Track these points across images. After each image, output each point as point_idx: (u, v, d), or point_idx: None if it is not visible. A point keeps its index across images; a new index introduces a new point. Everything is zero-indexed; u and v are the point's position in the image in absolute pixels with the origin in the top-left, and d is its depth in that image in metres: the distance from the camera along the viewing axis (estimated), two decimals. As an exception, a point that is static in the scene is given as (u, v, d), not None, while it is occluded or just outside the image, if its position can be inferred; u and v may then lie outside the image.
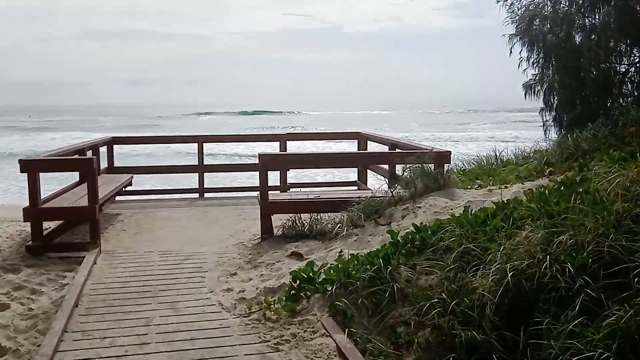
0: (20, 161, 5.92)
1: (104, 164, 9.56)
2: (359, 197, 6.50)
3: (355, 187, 10.69)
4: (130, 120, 65.27)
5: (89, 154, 8.48)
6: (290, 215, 6.72)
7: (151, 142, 10.77)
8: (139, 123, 57.85)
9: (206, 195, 10.19)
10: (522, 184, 6.41)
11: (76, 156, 7.91)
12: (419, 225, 5.04)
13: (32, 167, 5.92)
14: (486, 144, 33.66)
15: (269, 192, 6.89)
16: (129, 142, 10.38)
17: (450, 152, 6.93)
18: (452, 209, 5.84)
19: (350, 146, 24.95)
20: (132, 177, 9.05)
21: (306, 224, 6.65)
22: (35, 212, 6.02)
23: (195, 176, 10.32)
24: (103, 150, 9.56)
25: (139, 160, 20.79)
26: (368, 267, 4.65)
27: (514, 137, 36.92)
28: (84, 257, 6.02)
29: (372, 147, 10.76)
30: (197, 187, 10.16)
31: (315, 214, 6.66)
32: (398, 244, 4.89)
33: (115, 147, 9.81)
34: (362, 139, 10.51)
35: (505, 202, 4.98)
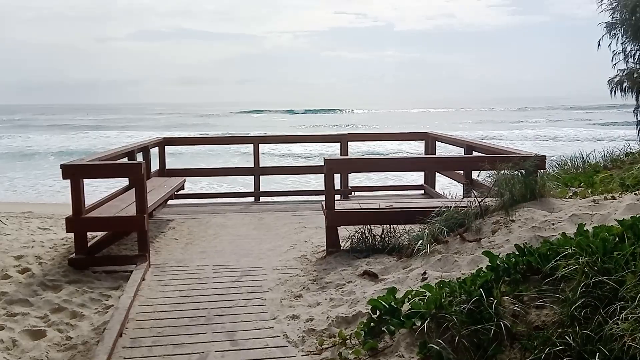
0: (62, 166, 5.35)
1: (155, 166, 9.04)
2: (438, 207, 5.65)
3: (422, 192, 9.84)
4: (183, 118, 65.88)
5: (139, 156, 7.93)
6: (359, 226, 5.94)
7: (205, 143, 10.21)
8: (190, 122, 58.24)
9: (262, 199, 9.53)
10: (635, 194, 5.43)
11: (125, 159, 7.36)
12: (522, 246, 4.17)
13: (74, 173, 5.35)
14: (544, 143, 32.02)
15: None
16: (181, 143, 9.83)
17: (545, 156, 6.00)
18: (554, 224, 4.94)
19: (414, 147, 24.27)
20: (185, 180, 8.46)
21: (378, 236, 5.86)
22: (78, 222, 5.45)
23: (247, 177, 9.70)
24: (154, 151, 9.04)
25: (192, 161, 20.47)
26: (464, 296, 3.83)
27: (576, 136, 35.01)
28: (131, 271, 5.42)
29: (441, 148, 9.88)
30: (253, 190, 9.50)
31: (388, 225, 5.86)
32: (498, 268, 4.04)
33: (167, 148, 9.26)
34: (430, 139, 9.64)
35: (635, 219, 4.05)
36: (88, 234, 5.78)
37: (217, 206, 9.04)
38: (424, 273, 4.61)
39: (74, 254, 5.60)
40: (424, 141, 9.89)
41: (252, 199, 9.53)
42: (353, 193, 9.43)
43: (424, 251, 5.10)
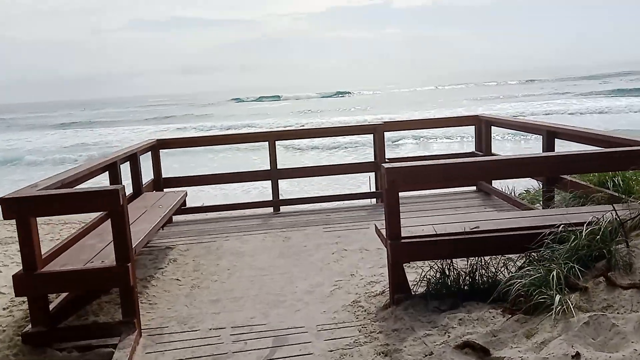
0: (2, 201, 3.62)
1: (147, 176, 7.31)
2: (551, 226, 3.86)
3: (474, 187, 8.08)
4: (183, 109, 64.03)
5: (124, 168, 6.19)
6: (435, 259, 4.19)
7: (207, 144, 8.37)
8: (192, 112, 56.37)
9: (282, 208, 7.78)
10: None
11: (105, 175, 5.64)
12: None
13: (20, 211, 3.62)
14: (590, 117, 29.74)
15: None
16: (179, 144, 7.99)
17: None
18: None
19: (459, 135, 22.58)
20: (186, 194, 6.73)
21: (463, 272, 4.12)
22: (32, 281, 3.72)
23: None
24: (147, 156, 7.30)
25: (191, 160, 18.58)
26: None
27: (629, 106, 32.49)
28: (114, 345, 3.71)
29: (497, 135, 8.09)
30: (271, 197, 7.75)
31: (477, 257, 4.12)
32: None
33: (163, 151, 7.51)
34: (483, 124, 7.84)
35: None
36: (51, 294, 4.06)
37: (228, 222, 7.30)
38: (577, 355, 2.86)
39: (29, 327, 3.87)
40: (474, 126, 8.11)
41: (270, 209, 7.78)
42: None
43: (552, 305, 3.35)
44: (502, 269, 4.06)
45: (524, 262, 3.96)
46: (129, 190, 6.58)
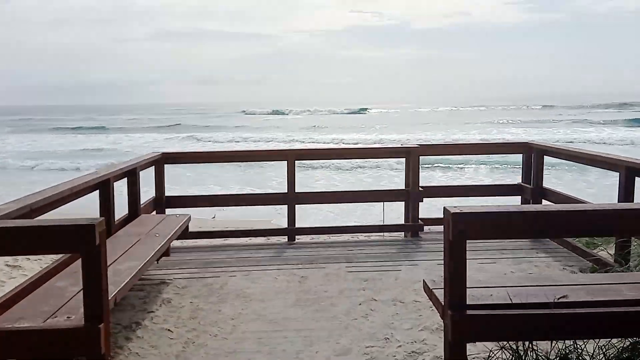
0: None
1: (150, 193, 6.38)
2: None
3: (519, 197, 7.03)
4: (198, 119, 63.51)
5: (120, 185, 5.24)
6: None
7: (219, 160, 7.37)
8: (204, 123, 55.80)
9: (298, 238, 6.80)
10: None
11: (96, 194, 4.68)
12: None
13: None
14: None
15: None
16: (188, 159, 7.03)
17: None
18: None
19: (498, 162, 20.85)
20: (189, 218, 5.76)
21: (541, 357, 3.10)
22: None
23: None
24: (148, 172, 6.36)
25: (197, 173, 17.60)
26: None
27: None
28: None
29: (550, 164, 7.10)
30: (286, 224, 6.77)
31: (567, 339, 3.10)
32: None
33: (168, 167, 6.57)
34: (535, 152, 6.83)
35: None
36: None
37: (236, 251, 6.32)
38: None
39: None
40: (522, 155, 7.11)
41: (284, 238, 6.79)
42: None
43: None
44: (600, 356, 3.05)
45: (630, 351, 2.96)
46: (124, 211, 5.64)
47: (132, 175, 5.59)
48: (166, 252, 5.40)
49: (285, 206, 6.76)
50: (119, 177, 5.20)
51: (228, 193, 7.55)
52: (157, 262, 5.47)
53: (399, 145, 7.02)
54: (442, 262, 3.05)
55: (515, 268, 5.58)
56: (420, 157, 6.80)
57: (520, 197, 7.23)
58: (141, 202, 6.07)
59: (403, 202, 6.93)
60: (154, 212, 6.46)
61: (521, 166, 7.17)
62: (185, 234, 5.78)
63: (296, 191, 6.71)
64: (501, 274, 5.38)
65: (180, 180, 15.33)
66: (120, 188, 5.51)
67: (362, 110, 74.71)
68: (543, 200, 6.89)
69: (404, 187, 6.94)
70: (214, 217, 15.46)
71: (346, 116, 67.12)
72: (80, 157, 28.91)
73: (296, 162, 6.71)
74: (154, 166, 6.43)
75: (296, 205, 6.73)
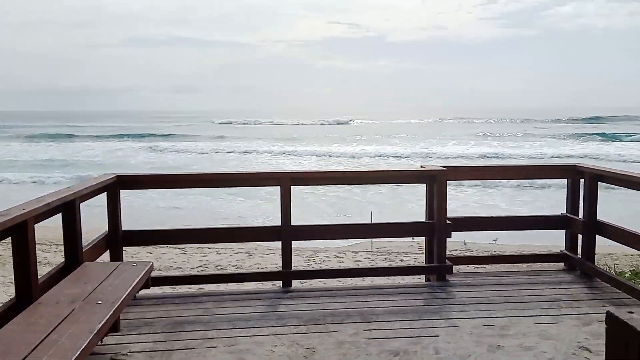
0: None
1: (97, 227, 4.88)
2: None
3: (562, 264, 5.74)
4: (174, 127, 61.65)
5: (46, 226, 3.74)
6: None
7: (191, 185, 5.72)
8: (182, 131, 54.00)
9: (295, 284, 5.34)
10: None
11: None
12: None
13: None
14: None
15: None
16: (150, 184, 5.38)
17: None
18: None
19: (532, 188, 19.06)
20: (152, 266, 4.26)
21: None
22: None
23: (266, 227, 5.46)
24: (98, 199, 4.87)
25: (164, 198, 15.94)
26: None
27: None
28: None
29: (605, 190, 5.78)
30: (280, 266, 5.30)
31: None
32: None
33: (125, 192, 5.06)
34: (587, 177, 5.51)
35: None
36: None
37: (216, 304, 4.82)
38: None
39: None
40: (567, 180, 5.78)
41: (278, 284, 5.33)
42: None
43: None
44: None
45: None
46: (59, 258, 4.14)
47: (68, 209, 4.07)
48: (114, 325, 3.88)
49: (279, 242, 5.31)
50: (45, 215, 3.67)
51: (206, 227, 6.05)
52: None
53: (420, 168, 5.60)
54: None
55: None
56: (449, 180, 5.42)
57: (565, 230, 5.90)
58: (91, 241, 4.59)
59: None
60: (108, 253, 4.97)
61: (566, 193, 5.85)
62: (147, 284, 4.27)
63: (293, 224, 5.26)
64: None
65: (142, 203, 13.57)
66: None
67: (344, 122, 73.63)
68: (597, 235, 5.57)
69: (425, 219, 5.55)
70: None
71: (327, 127, 65.92)
72: (43, 168, 27.15)
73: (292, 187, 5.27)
74: (106, 193, 4.93)
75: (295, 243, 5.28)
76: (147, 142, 41.85)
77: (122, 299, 3.37)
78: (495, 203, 16.06)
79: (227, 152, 35.11)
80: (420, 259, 10.56)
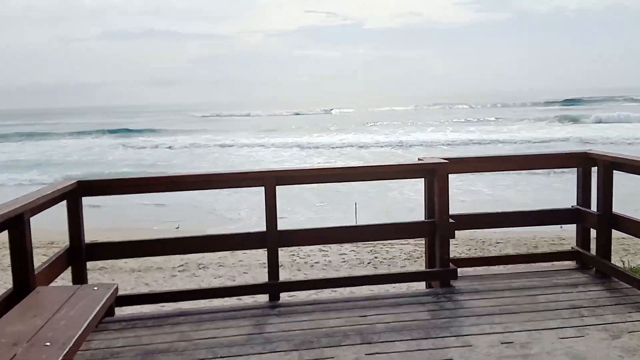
0: None
1: (55, 241, 4.24)
2: None
3: (573, 262, 5.23)
4: (151, 121, 60.49)
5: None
6: None
7: (163, 188, 5.02)
8: (160, 126, 52.95)
9: (284, 296, 4.76)
10: None
11: None
12: None
13: None
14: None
15: None
16: (117, 187, 4.75)
17: None
18: None
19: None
20: (116, 289, 3.63)
21: None
22: None
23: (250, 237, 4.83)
24: (56, 209, 4.24)
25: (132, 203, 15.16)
26: None
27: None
28: None
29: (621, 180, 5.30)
30: (267, 279, 4.71)
31: None
32: None
33: (87, 200, 4.42)
34: (602, 165, 5.00)
35: None
36: None
37: (194, 326, 4.22)
38: None
39: None
40: (578, 169, 5.27)
41: (264, 298, 4.74)
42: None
43: None
44: None
45: None
46: (7, 281, 3.52)
47: (15, 225, 3.44)
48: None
49: (265, 250, 4.71)
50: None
51: (180, 236, 5.44)
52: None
53: (417, 162, 5.03)
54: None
55: None
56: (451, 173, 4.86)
57: (577, 225, 5.40)
58: (48, 259, 3.96)
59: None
60: (70, 270, 4.34)
61: (577, 184, 5.34)
62: (110, 310, 3.67)
63: (279, 228, 4.67)
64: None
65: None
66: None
67: (325, 111, 73.07)
68: (613, 230, 5.08)
69: (424, 219, 5.00)
70: (177, 228, 13.32)
71: (308, 117, 65.26)
72: (15, 169, 26.22)
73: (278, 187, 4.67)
74: (66, 201, 4.30)
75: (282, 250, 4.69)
76: (124, 138, 40.87)
77: (76, 338, 2.76)
78: (478, 189, 15.74)
79: (207, 147, 34.34)
80: (406, 249, 10.13)
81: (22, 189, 18.75)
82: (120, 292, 4.02)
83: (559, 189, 14.90)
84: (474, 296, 4.69)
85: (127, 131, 47.42)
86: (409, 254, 9.50)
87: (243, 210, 14.46)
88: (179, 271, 8.94)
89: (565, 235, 9.79)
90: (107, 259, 4.43)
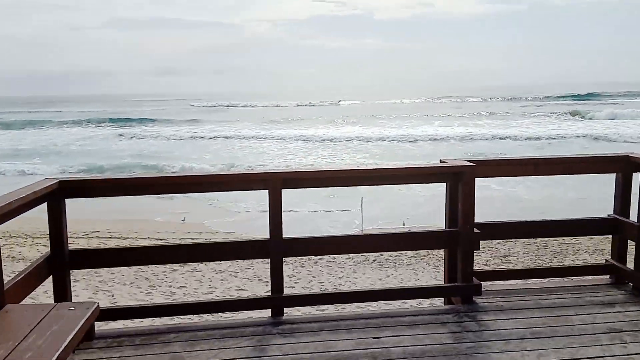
0: None
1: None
2: None
3: (607, 276, 4.75)
4: (154, 111, 60.06)
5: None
6: None
7: (156, 190, 4.49)
8: (164, 116, 52.49)
9: (289, 311, 4.30)
10: None
11: None
12: None
13: None
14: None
15: None
16: (102, 190, 4.15)
17: None
18: None
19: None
20: (97, 307, 3.16)
21: None
22: None
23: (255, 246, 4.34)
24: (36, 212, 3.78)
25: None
26: None
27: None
28: None
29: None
30: (269, 292, 4.24)
31: None
32: None
33: (71, 202, 3.95)
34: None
35: None
36: None
37: (183, 344, 3.76)
38: None
39: None
40: (617, 174, 4.77)
41: (266, 314, 4.26)
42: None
43: None
44: None
45: None
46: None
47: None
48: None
49: (268, 263, 4.24)
50: None
51: (175, 244, 4.99)
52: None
53: (439, 164, 4.54)
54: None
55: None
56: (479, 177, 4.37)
57: (613, 236, 4.91)
58: (24, 269, 3.50)
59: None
60: (51, 279, 3.88)
61: (614, 191, 4.84)
62: (90, 334, 3.20)
63: (284, 236, 4.19)
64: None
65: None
66: None
67: (333, 103, 72.52)
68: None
69: (445, 227, 4.52)
70: (183, 220, 12.90)
71: (314, 108, 64.70)
72: (18, 158, 25.93)
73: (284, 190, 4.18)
74: (47, 203, 3.83)
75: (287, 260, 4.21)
76: (127, 128, 40.44)
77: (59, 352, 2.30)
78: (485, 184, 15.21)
79: (210, 138, 33.86)
80: None
81: (18, 179, 18.35)
82: (105, 305, 3.57)
83: (569, 186, 14.41)
84: (499, 316, 4.21)
85: (130, 120, 46.96)
86: (416, 252, 9.01)
87: (250, 202, 14.06)
88: (180, 264, 8.55)
89: (585, 241, 9.29)
90: (94, 268, 3.96)
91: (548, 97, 69.35)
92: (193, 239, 11.34)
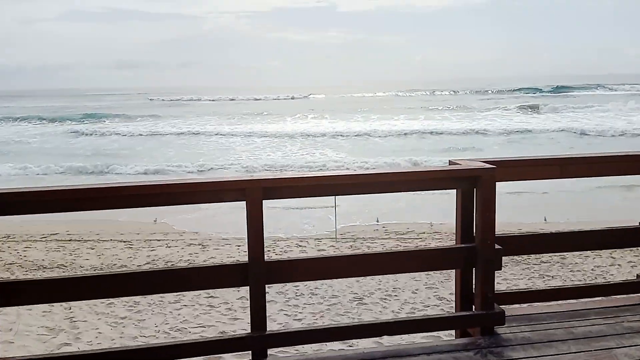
0: None
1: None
2: None
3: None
4: (113, 107, 58.08)
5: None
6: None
7: (103, 205, 3.61)
8: (123, 112, 50.64)
9: (273, 352, 3.47)
10: None
11: None
12: None
13: None
14: None
15: None
16: (22, 206, 3.28)
17: None
18: None
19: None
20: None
21: None
22: None
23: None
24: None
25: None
26: None
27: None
28: None
29: None
30: (249, 327, 3.41)
31: None
32: None
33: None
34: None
35: None
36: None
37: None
38: None
39: None
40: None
41: (247, 355, 3.42)
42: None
43: None
44: None
45: None
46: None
47: None
48: None
49: (247, 289, 3.40)
50: None
51: (135, 270, 4.02)
52: None
53: (451, 168, 3.76)
54: None
55: None
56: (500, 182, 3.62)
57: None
58: None
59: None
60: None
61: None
62: None
63: (266, 259, 3.36)
64: None
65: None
66: None
67: (303, 96, 71.68)
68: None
69: (456, 242, 3.76)
70: (155, 221, 12.02)
71: (281, 102, 63.71)
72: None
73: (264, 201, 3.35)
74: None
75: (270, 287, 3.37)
76: (83, 125, 38.62)
77: None
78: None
79: (175, 134, 32.54)
80: (404, 245, 8.92)
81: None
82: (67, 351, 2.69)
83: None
84: (529, 351, 3.47)
85: (87, 116, 44.92)
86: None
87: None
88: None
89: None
90: (30, 304, 3.05)
91: (517, 89, 69.81)
92: (159, 240, 10.51)
